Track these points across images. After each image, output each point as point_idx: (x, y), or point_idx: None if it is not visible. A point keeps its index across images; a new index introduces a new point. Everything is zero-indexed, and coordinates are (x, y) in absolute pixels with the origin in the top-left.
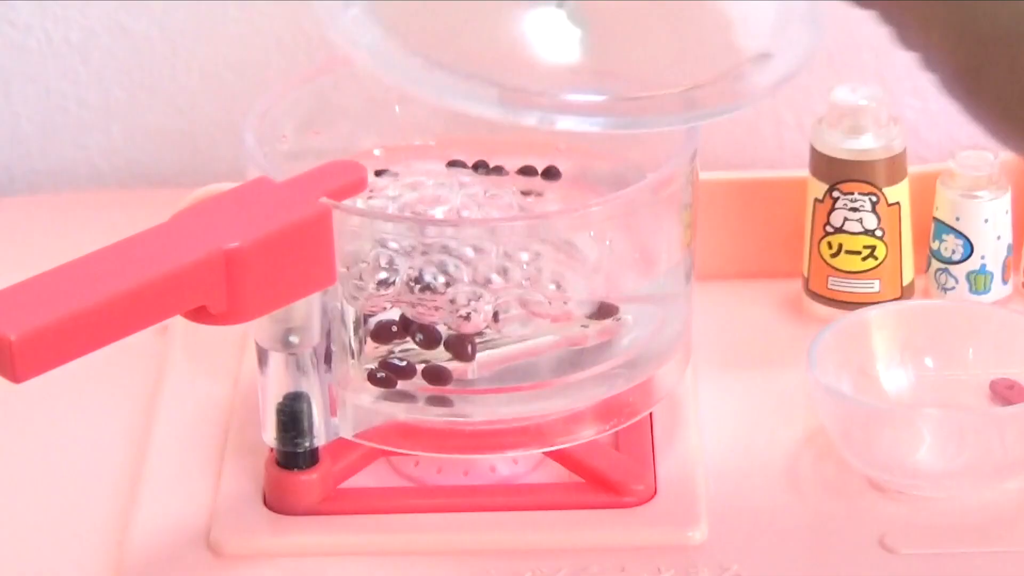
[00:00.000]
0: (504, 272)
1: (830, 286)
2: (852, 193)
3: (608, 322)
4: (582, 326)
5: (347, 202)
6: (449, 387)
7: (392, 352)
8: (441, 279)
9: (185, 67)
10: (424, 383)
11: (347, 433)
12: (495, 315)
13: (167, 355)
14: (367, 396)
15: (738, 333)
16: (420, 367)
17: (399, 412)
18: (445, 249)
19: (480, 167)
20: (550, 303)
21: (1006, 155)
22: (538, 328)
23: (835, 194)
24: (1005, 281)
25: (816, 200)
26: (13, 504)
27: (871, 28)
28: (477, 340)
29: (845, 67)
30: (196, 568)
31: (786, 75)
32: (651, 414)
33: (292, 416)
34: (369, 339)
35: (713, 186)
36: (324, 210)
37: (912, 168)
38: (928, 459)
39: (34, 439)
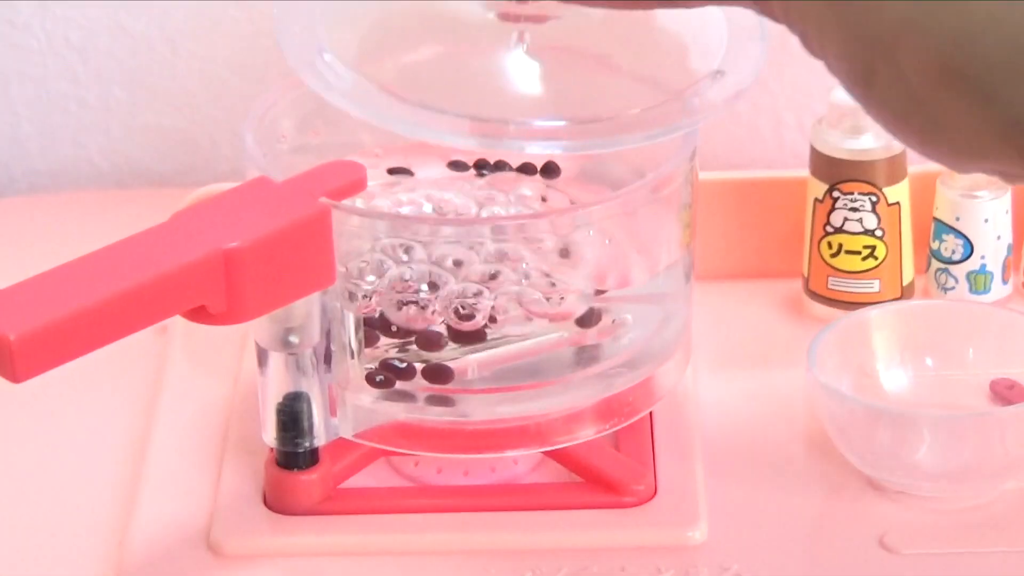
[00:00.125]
0: (504, 271)
1: (830, 286)
2: (852, 193)
3: (600, 325)
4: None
5: (346, 202)
6: (449, 387)
7: (389, 354)
8: (444, 276)
9: (185, 67)
10: (424, 383)
11: (347, 433)
12: (492, 315)
13: (167, 355)
14: (367, 396)
15: (738, 333)
16: (420, 367)
17: (399, 412)
18: (443, 248)
19: (481, 166)
20: (548, 300)
21: None
22: (537, 327)
23: (835, 194)
24: (1005, 281)
25: (816, 200)
26: (13, 504)
27: None
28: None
29: None
30: (196, 568)
31: (739, 90)
32: (651, 414)
33: (292, 416)
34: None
35: (713, 186)
36: (323, 210)
37: (912, 168)
38: (928, 459)
39: (34, 439)
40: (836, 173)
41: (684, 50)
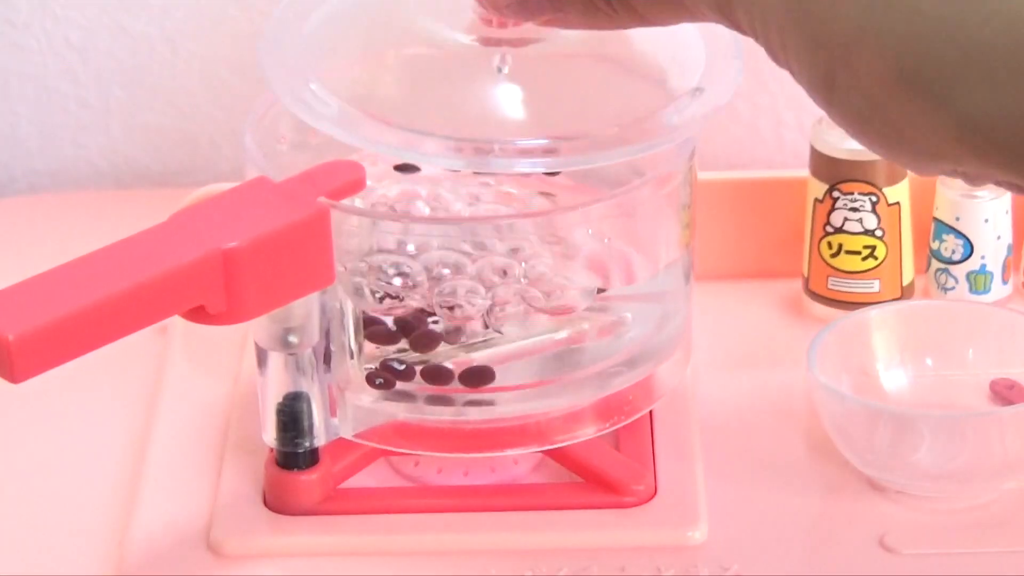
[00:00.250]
0: (503, 270)
1: (830, 286)
2: (852, 193)
3: (607, 318)
4: (582, 323)
5: (345, 201)
6: (449, 387)
7: (388, 355)
8: (444, 272)
9: (185, 67)
10: (424, 383)
11: (347, 433)
12: (490, 310)
13: (167, 355)
14: (367, 396)
15: (738, 333)
16: (419, 368)
17: (399, 412)
18: (442, 247)
19: None
20: (548, 296)
21: None
22: (537, 325)
23: (835, 194)
24: (1005, 281)
25: (816, 200)
26: (13, 504)
27: None
28: (477, 340)
29: None
30: (196, 568)
31: (717, 106)
32: (651, 414)
33: (292, 416)
34: (367, 341)
35: (713, 186)
36: (322, 210)
37: None
38: (928, 459)
39: (34, 439)
40: (836, 173)
41: (663, 70)
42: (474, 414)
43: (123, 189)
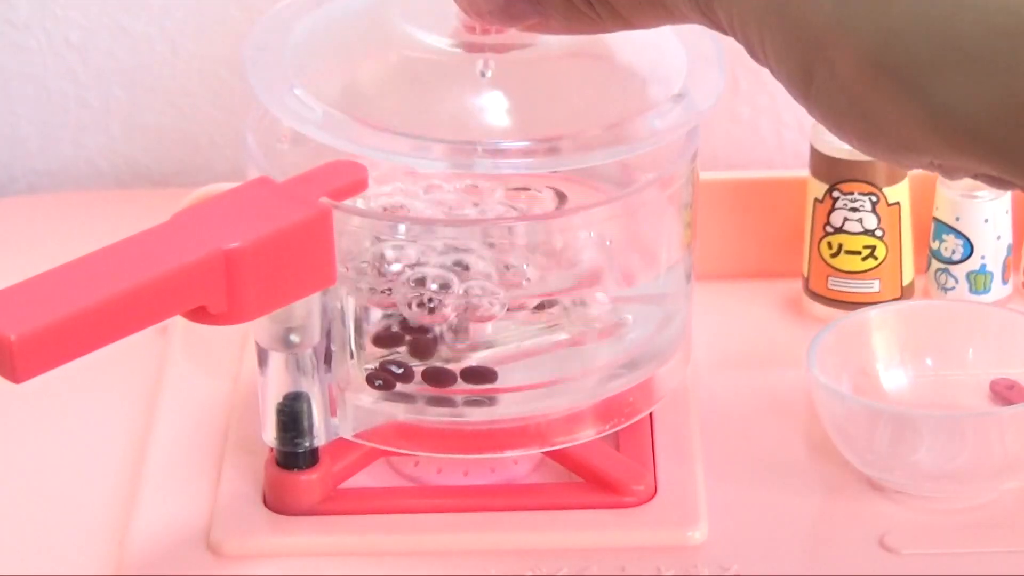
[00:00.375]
0: (503, 269)
1: (830, 286)
2: (852, 193)
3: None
4: (582, 324)
5: (347, 202)
6: (449, 388)
7: (388, 357)
8: (447, 274)
9: (185, 67)
10: (424, 384)
11: (347, 433)
12: (491, 312)
13: (167, 355)
14: (367, 396)
15: (738, 333)
16: (419, 370)
17: (399, 412)
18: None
19: None
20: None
21: None
22: (534, 327)
23: (835, 194)
24: (1005, 281)
25: (816, 200)
26: (13, 504)
27: None
28: (478, 340)
29: None
30: (196, 568)
31: (701, 111)
32: (651, 414)
33: (292, 416)
34: (369, 342)
35: (713, 186)
36: (324, 210)
37: None
38: (928, 459)
39: (34, 439)
40: (836, 173)
41: (645, 75)
42: (474, 415)
43: (123, 189)
